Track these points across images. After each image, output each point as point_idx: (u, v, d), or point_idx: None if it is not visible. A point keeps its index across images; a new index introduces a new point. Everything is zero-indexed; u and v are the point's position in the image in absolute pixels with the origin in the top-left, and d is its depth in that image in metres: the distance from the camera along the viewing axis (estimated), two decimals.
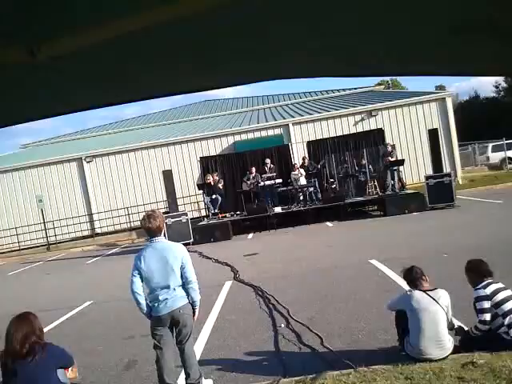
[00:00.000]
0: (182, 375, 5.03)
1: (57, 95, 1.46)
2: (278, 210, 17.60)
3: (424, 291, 4.78)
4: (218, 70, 1.51)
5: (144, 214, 4.90)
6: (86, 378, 5.69)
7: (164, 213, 18.51)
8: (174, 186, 17.98)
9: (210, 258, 13.42)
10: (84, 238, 23.62)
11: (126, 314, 8.33)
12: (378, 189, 18.37)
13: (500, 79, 58.08)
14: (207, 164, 20.20)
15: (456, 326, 4.93)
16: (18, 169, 24.58)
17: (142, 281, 4.69)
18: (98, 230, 24.08)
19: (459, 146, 25.13)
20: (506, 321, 4.61)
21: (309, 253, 12.29)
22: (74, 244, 22.83)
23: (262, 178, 18.19)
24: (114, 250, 19.49)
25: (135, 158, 24.18)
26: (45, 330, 4.03)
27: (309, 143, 20.94)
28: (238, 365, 5.58)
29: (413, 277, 4.94)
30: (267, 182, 18.07)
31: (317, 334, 6.08)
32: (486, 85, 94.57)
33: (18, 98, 1.41)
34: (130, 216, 23.32)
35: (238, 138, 23.91)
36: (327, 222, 17.24)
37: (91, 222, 24.16)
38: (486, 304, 4.65)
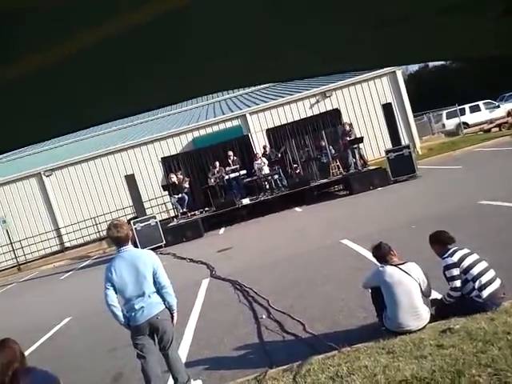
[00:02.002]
0: (171, 380, 5.05)
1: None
2: (246, 201, 17.65)
3: (395, 265, 4.92)
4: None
5: (109, 223, 4.86)
6: None
7: (132, 218, 18.35)
8: (138, 190, 17.81)
9: (185, 258, 13.38)
10: (54, 253, 23.19)
11: (106, 326, 8.23)
12: (341, 169, 18.62)
13: None
14: (169, 164, 20.07)
15: (431, 298, 5.09)
16: None
17: (116, 292, 4.65)
18: (68, 244, 23.66)
19: (414, 116, 25.64)
20: (476, 284, 4.79)
21: (281, 240, 12.40)
22: (45, 261, 22.39)
23: (226, 171, 18.19)
24: (86, 263, 19.22)
25: (95, 166, 23.79)
26: (26, 353, 3.98)
27: (268, 131, 21.02)
28: (224, 362, 5.63)
29: (381, 252, 5.09)
30: (232, 175, 18.10)
31: (298, 321, 6.18)
32: None
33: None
34: (99, 226, 23.01)
35: (197, 133, 23.77)
36: (296, 207, 17.40)
37: (59, 236, 23.73)
38: (455, 271, 4.81)
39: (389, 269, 4.91)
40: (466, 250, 4.93)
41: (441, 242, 5.00)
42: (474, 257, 4.89)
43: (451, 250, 4.90)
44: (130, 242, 4.79)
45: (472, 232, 7.79)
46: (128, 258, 4.66)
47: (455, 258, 4.83)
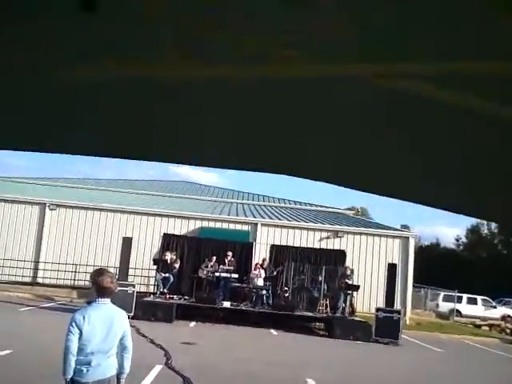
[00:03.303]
0: None
1: None
2: (227, 304, 17.34)
3: None
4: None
5: (101, 269, 4.79)
6: None
7: None
8: (130, 254, 17.71)
9: (146, 337, 12.94)
10: (23, 283, 22.59)
11: (45, 368, 7.88)
12: (328, 308, 18.40)
13: (462, 234, 60.78)
14: (169, 242, 20.12)
15: None
16: None
17: (79, 341, 4.47)
18: (40, 280, 23.12)
19: (413, 286, 25.63)
20: None
21: (247, 355, 12.00)
22: (11, 287, 21.76)
23: (220, 269, 18.10)
24: (50, 304, 18.65)
25: (99, 218, 23.88)
26: None
27: (272, 246, 21.18)
28: None
29: None
30: (223, 274, 17.97)
31: None
32: (448, 236, 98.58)
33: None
34: (77, 274, 22.53)
35: (205, 223, 24.00)
36: (272, 329, 16.98)
37: (36, 269, 23.27)
38: None
39: None
40: None
41: None
42: None
43: None
44: (110, 297, 4.69)
45: None
46: (105, 312, 4.51)
47: None
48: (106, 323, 4.46)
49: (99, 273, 4.62)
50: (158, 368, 9.49)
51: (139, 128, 1.53)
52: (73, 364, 4.41)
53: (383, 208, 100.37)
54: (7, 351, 9.66)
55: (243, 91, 1.22)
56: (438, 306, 30.48)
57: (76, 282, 22.34)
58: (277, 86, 1.16)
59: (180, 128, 1.50)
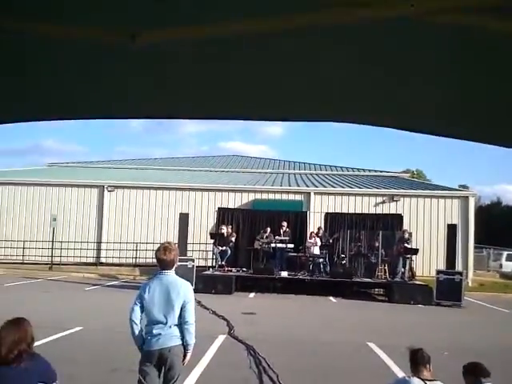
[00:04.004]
0: None
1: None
2: (284, 274, 17.48)
3: (423, 380, 4.67)
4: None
5: (160, 245, 4.91)
6: None
7: None
8: (187, 229, 18.07)
9: (208, 309, 13.26)
10: (87, 264, 23.59)
11: (115, 345, 8.24)
12: (387, 273, 18.21)
13: None
14: (224, 216, 20.33)
15: None
16: (39, 184, 24.98)
17: (143, 311, 4.63)
18: (103, 260, 24.08)
19: (474, 247, 24.94)
20: None
21: (307, 323, 12.11)
22: (77, 269, 22.78)
23: (275, 239, 18.20)
24: (113, 283, 19.41)
25: (155, 197, 24.48)
26: None
27: (327, 215, 21.01)
28: None
29: (418, 359, 4.78)
30: (279, 245, 18.07)
31: None
32: (510, 193, 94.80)
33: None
34: (138, 252, 23.31)
35: (258, 196, 24.12)
36: (331, 296, 17.02)
37: (98, 250, 24.22)
38: None
39: (415, 381, 4.66)
40: None
41: (475, 373, 4.73)
42: None
43: None
44: (173, 268, 4.77)
45: (504, 378, 7.33)
46: (165, 283, 4.65)
47: None
48: (164, 294, 4.58)
49: (157, 249, 4.78)
50: (221, 338, 9.72)
51: (185, 87, 1.59)
52: (137, 332, 4.60)
53: (440, 170, 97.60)
54: (78, 328, 10.14)
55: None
56: (501, 266, 29.59)
57: (138, 259, 23.10)
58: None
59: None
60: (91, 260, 24.02)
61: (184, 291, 4.67)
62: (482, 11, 1.06)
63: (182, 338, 4.62)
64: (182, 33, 1.20)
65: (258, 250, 18.54)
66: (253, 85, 1.57)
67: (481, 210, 53.68)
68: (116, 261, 23.71)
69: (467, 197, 23.75)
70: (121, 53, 1.30)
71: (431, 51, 1.25)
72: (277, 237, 18.37)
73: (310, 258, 18.27)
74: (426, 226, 23.18)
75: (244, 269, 18.98)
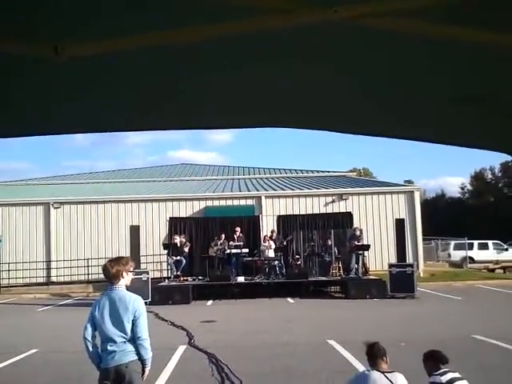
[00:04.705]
0: None
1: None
2: (241, 279, 17.46)
3: (382, 372, 4.76)
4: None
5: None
6: None
7: None
8: (139, 242, 17.78)
9: (166, 321, 13.08)
10: (38, 284, 22.79)
11: (71, 366, 7.99)
12: (341, 271, 18.51)
13: (466, 182, 60.73)
14: (176, 225, 20.13)
15: None
16: None
17: (96, 329, 4.52)
18: (54, 279, 23.32)
19: (423, 239, 25.74)
20: None
21: (267, 326, 12.12)
22: (27, 290, 21.96)
23: (229, 245, 18.17)
24: (66, 301, 18.83)
25: (104, 211, 23.94)
26: None
27: (279, 217, 21.18)
28: None
29: (374, 353, 4.88)
30: (234, 251, 18.05)
31: None
32: (453, 185, 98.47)
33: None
34: (90, 268, 22.69)
35: (209, 203, 24.02)
36: (288, 297, 17.13)
37: (48, 269, 23.44)
38: None
39: (374, 375, 4.74)
40: (457, 374, 4.79)
41: (434, 359, 4.86)
42: (464, 383, 4.73)
43: (442, 370, 4.76)
44: (122, 282, 4.59)
45: (463, 365, 7.57)
46: (113, 298, 4.51)
47: (444, 379, 4.68)
48: (113, 310, 4.46)
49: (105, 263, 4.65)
50: (181, 348, 9.60)
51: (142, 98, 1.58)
52: (91, 349, 4.48)
53: (385, 167, 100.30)
54: (33, 350, 9.78)
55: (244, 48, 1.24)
56: (449, 255, 30.60)
57: (90, 276, 22.50)
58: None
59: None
60: (41, 280, 23.20)
61: (133, 305, 4.50)
62: (410, 15, 1.09)
63: (137, 354, 4.48)
64: (107, 46, 1.19)
65: (213, 257, 18.44)
66: (192, 95, 1.57)
67: (426, 203, 55.47)
68: (67, 279, 23.00)
69: (412, 191, 24.50)
70: (47, 66, 1.26)
71: (362, 53, 1.27)
72: (231, 242, 18.34)
73: (266, 262, 18.33)
74: (376, 222, 23.74)
75: (200, 277, 18.82)
